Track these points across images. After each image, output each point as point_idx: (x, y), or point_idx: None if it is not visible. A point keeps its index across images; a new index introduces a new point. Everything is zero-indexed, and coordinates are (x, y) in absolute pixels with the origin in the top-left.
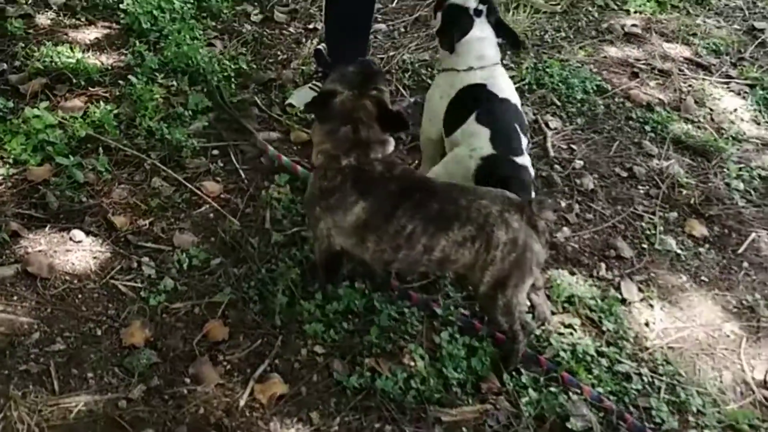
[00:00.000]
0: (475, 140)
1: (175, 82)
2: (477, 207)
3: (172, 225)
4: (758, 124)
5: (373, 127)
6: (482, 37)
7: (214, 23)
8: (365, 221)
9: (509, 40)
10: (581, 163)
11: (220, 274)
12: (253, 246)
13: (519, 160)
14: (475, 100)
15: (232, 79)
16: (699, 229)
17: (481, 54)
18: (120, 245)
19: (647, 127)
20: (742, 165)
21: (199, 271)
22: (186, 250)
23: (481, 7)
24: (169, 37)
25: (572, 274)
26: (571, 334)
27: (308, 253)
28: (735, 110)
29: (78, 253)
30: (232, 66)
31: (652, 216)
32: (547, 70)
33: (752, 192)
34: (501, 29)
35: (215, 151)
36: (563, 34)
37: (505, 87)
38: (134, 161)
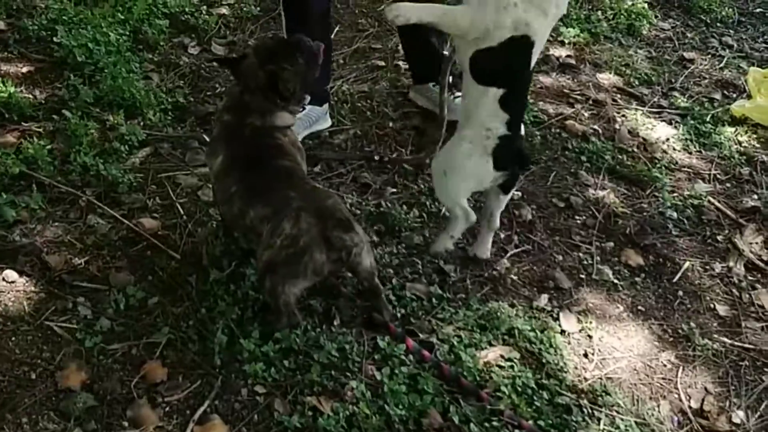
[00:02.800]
0: None
1: (110, 117)
2: (284, 195)
3: (109, 264)
4: (690, 153)
5: (257, 95)
6: None
7: (150, 56)
8: (218, 171)
9: None
10: (519, 194)
11: (158, 314)
12: (192, 284)
13: None
14: None
15: (170, 113)
16: (635, 259)
17: None
18: (54, 285)
19: (583, 157)
20: (675, 194)
21: (137, 311)
22: (123, 289)
23: None
24: (105, 71)
25: (512, 306)
26: (512, 367)
27: (248, 289)
28: (667, 140)
29: (11, 294)
30: (169, 99)
31: (589, 246)
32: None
33: (685, 221)
34: None
35: (153, 186)
36: None
37: None
38: (69, 198)
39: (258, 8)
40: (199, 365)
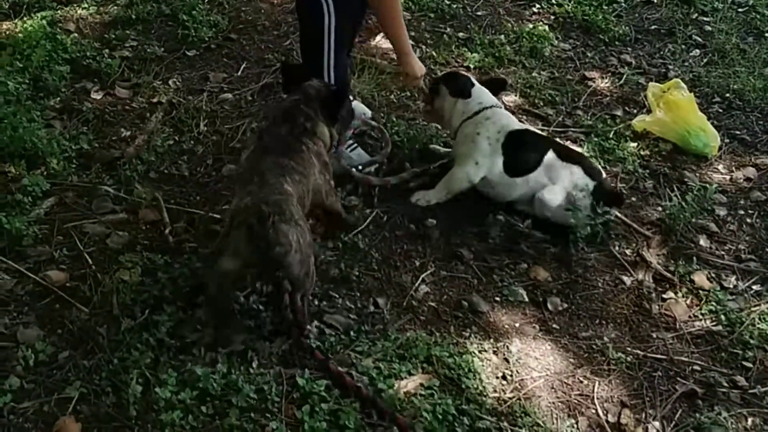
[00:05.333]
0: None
1: (12, 168)
2: (251, 177)
3: (15, 320)
4: None
5: (312, 105)
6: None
7: (52, 103)
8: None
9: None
10: (434, 221)
11: (70, 368)
12: (103, 335)
13: None
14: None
15: (74, 161)
16: (545, 277)
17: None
18: None
19: None
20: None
21: (47, 367)
22: (32, 345)
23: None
24: (5, 121)
25: (430, 334)
26: (432, 395)
27: (163, 336)
28: None
29: None
30: (73, 146)
31: (502, 269)
32: (395, 129)
33: (595, 237)
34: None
35: (59, 237)
36: (408, 93)
37: None
38: None
39: (162, 49)
40: (114, 417)
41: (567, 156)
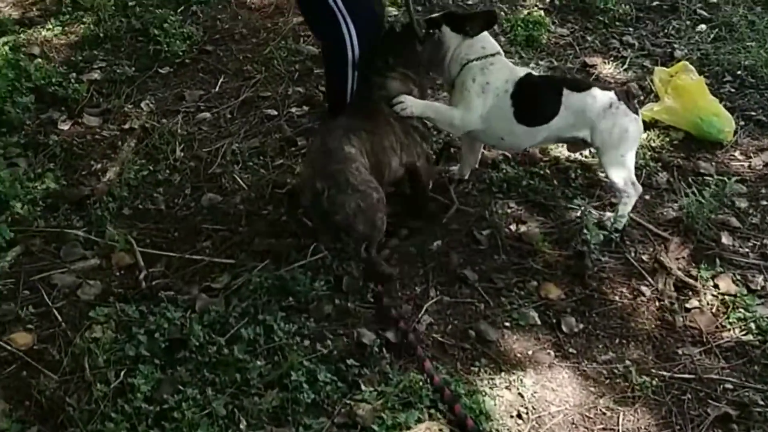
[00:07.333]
0: None
1: None
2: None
3: None
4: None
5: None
6: None
7: (15, 138)
8: None
9: None
10: (439, 242)
11: None
12: (74, 406)
13: None
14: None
15: (40, 202)
16: (557, 294)
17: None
18: None
19: (494, 188)
20: (596, 219)
21: None
22: None
23: None
24: None
25: (436, 369)
26: None
27: (140, 402)
28: (580, 154)
29: None
30: (39, 186)
31: (509, 289)
32: None
33: (611, 246)
34: None
35: (25, 292)
36: None
37: None
38: None
39: (133, 68)
40: None
41: (580, 86)
